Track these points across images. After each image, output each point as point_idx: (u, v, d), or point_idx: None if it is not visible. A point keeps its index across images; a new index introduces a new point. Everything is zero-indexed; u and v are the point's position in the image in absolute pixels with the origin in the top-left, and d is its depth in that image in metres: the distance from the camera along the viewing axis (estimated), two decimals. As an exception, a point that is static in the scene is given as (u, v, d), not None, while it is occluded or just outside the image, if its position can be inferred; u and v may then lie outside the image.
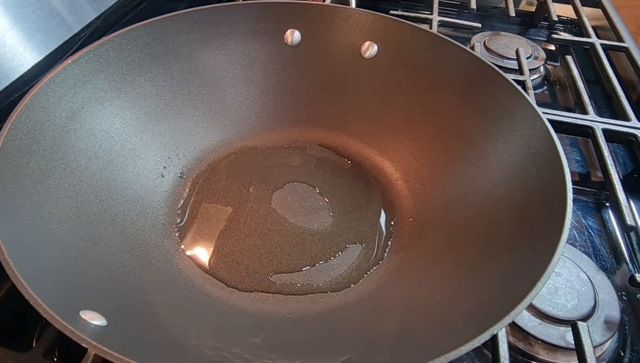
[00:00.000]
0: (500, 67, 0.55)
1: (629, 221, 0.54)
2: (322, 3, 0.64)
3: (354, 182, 0.61)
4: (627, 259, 0.56)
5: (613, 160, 0.60)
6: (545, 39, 0.98)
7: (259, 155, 0.63)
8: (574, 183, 0.43)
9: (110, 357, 0.30)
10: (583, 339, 0.42)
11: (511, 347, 0.45)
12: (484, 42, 0.89)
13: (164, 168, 0.57)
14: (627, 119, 0.68)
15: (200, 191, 0.58)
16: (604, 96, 0.82)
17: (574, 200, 0.41)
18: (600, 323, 0.47)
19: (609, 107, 0.79)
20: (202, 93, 0.61)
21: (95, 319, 0.34)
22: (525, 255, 0.41)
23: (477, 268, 0.45)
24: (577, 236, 0.58)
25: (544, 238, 0.40)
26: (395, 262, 0.52)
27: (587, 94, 0.73)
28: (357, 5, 0.63)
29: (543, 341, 0.45)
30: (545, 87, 0.85)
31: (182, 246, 0.52)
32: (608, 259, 0.56)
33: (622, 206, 0.55)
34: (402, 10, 0.91)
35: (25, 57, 0.59)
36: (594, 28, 0.92)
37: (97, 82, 0.52)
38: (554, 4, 0.95)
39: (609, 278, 0.51)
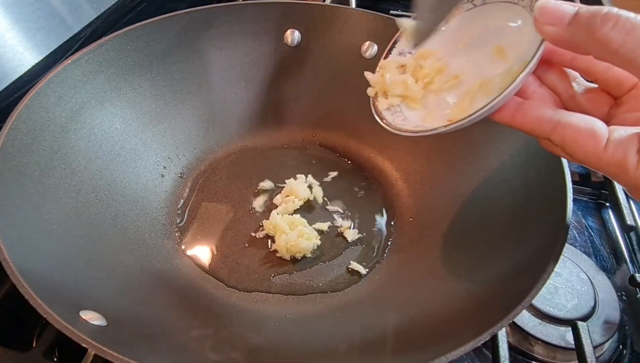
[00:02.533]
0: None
1: (629, 221, 0.54)
2: (322, 3, 0.64)
3: (354, 182, 0.61)
4: (627, 259, 0.56)
5: (613, 160, 0.60)
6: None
7: (259, 155, 0.63)
8: (574, 183, 0.43)
9: (110, 357, 0.30)
10: (583, 339, 0.42)
11: (511, 347, 0.45)
12: (484, 42, 0.88)
13: (164, 168, 0.58)
14: (627, 119, 0.68)
15: (200, 191, 0.58)
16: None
17: (574, 200, 0.41)
18: (600, 323, 0.47)
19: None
20: (202, 93, 0.61)
21: (95, 319, 0.34)
22: (525, 255, 0.41)
23: (477, 268, 0.45)
24: (577, 236, 0.58)
25: (544, 238, 0.40)
26: (395, 262, 0.52)
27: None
28: (357, 5, 0.63)
29: (543, 341, 0.46)
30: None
31: (182, 246, 0.52)
32: (608, 259, 0.56)
33: (622, 206, 0.55)
34: (402, 10, 0.91)
35: (25, 57, 0.59)
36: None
37: (97, 82, 0.52)
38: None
39: (609, 278, 0.51)
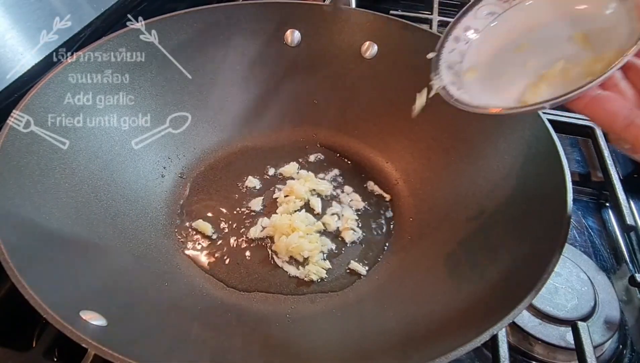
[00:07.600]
0: (500, 67, 0.55)
1: (629, 221, 0.54)
2: (322, 3, 0.64)
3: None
4: (627, 259, 0.56)
5: (613, 160, 0.61)
6: (545, 39, 0.97)
7: (259, 155, 0.63)
8: (574, 183, 0.43)
9: (110, 357, 0.30)
10: (583, 339, 0.42)
11: (511, 347, 0.45)
12: (484, 42, 0.88)
13: (164, 168, 0.57)
14: (627, 119, 0.68)
15: (201, 191, 0.58)
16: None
17: (574, 200, 0.41)
18: (600, 323, 0.47)
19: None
20: (202, 93, 0.61)
21: (95, 319, 0.34)
22: (525, 255, 0.41)
23: (477, 268, 0.45)
24: (577, 236, 0.58)
25: (543, 238, 0.40)
26: (395, 262, 0.52)
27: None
28: (357, 5, 0.63)
29: (543, 341, 0.46)
30: (545, 87, 0.85)
31: (182, 246, 0.52)
32: (608, 259, 0.56)
33: (622, 206, 0.55)
34: (402, 10, 0.91)
35: (25, 57, 0.59)
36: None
37: (98, 82, 0.52)
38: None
39: (609, 278, 0.51)
